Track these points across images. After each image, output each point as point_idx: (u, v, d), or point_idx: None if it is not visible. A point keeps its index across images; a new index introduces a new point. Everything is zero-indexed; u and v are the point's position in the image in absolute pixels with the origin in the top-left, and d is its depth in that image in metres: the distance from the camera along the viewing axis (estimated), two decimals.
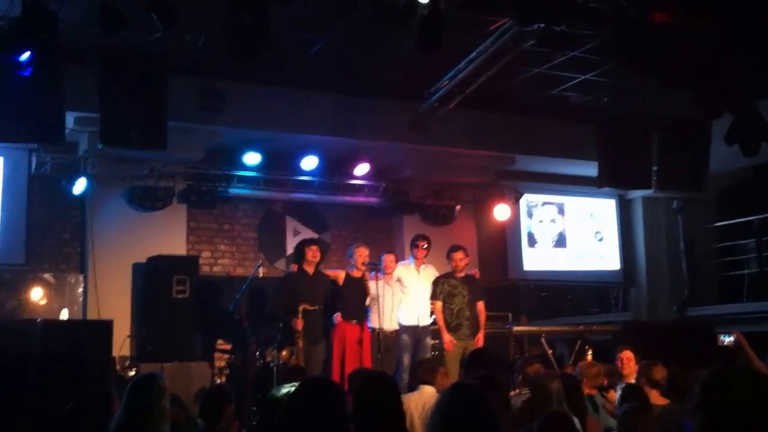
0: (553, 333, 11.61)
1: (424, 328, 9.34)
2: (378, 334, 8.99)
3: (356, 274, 9.31)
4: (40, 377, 7.38)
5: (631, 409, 4.41)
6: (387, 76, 9.54)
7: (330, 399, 3.57)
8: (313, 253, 9.19)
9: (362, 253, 9.30)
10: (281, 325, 8.91)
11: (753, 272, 12.23)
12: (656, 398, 6.06)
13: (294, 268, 9.37)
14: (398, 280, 9.41)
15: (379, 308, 9.08)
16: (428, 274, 9.52)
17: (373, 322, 9.16)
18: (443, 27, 7.05)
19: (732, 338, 6.58)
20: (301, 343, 8.62)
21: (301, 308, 8.70)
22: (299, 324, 8.66)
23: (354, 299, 9.24)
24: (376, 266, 9.22)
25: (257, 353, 9.02)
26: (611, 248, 13.19)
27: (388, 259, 9.41)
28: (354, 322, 9.13)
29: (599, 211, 13.20)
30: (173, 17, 6.72)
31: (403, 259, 10.11)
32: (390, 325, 9.21)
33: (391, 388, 3.87)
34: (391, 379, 4.35)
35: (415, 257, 9.56)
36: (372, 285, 9.18)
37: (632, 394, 5.61)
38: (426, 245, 9.52)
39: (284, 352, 8.57)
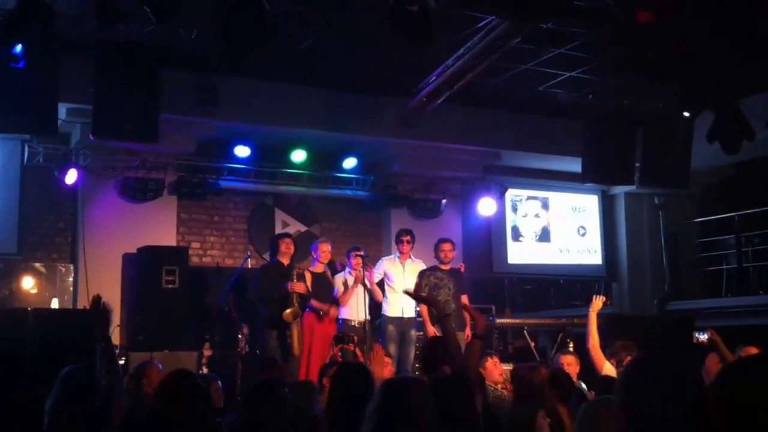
0: (536, 326, 11.77)
1: (409, 319, 9.43)
2: (365, 326, 9.11)
3: (318, 269, 9.32)
4: (34, 365, 7.44)
5: (592, 402, 4.26)
6: (377, 72, 9.65)
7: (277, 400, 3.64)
8: (286, 246, 9.25)
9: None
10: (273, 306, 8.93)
11: (732, 268, 12.41)
12: None
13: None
14: (384, 273, 9.53)
15: (357, 301, 9.18)
16: (415, 268, 9.57)
17: (351, 314, 9.26)
18: (433, 24, 7.15)
19: (706, 335, 6.72)
20: (296, 304, 8.72)
21: (295, 272, 8.85)
22: (295, 286, 8.76)
23: (323, 294, 9.29)
24: (365, 262, 9.29)
25: (245, 343, 9.14)
26: (594, 243, 13.33)
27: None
28: (322, 314, 9.22)
29: (582, 206, 13.32)
30: (166, 10, 6.76)
31: (389, 253, 10.25)
32: (362, 316, 9.22)
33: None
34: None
35: (400, 252, 9.65)
36: (350, 279, 9.27)
37: (607, 386, 5.73)
38: (409, 239, 9.59)
39: (288, 311, 8.65)
